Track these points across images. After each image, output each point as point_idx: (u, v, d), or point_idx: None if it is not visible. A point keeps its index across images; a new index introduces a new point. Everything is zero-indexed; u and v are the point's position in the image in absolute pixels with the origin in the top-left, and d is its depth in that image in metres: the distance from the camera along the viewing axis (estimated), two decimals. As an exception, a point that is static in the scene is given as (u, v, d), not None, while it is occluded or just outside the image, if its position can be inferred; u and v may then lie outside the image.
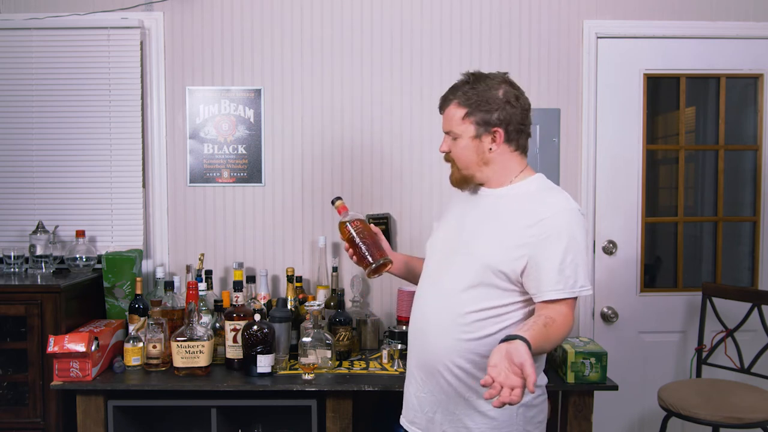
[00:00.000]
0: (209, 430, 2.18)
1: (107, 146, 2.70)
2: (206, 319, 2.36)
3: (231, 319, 2.26)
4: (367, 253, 1.76)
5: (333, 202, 1.86)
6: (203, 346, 2.19)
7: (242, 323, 2.23)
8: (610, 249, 2.80)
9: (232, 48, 2.73)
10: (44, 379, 2.29)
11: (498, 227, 1.59)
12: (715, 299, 2.69)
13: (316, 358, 2.24)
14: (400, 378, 2.14)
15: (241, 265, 2.58)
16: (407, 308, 2.54)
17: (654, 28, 2.74)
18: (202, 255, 2.64)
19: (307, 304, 2.38)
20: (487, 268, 1.56)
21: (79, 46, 2.69)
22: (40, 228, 2.59)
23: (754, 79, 2.83)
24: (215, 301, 2.42)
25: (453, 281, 1.62)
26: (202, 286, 2.45)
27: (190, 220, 2.75)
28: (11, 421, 2.32)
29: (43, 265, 2.55)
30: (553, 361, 2.26)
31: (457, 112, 1.63)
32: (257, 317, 2.20)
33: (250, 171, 2.74)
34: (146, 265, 2.73)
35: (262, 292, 2.54)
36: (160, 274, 2.48)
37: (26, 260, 2.58)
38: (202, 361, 2.19)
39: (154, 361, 2.23)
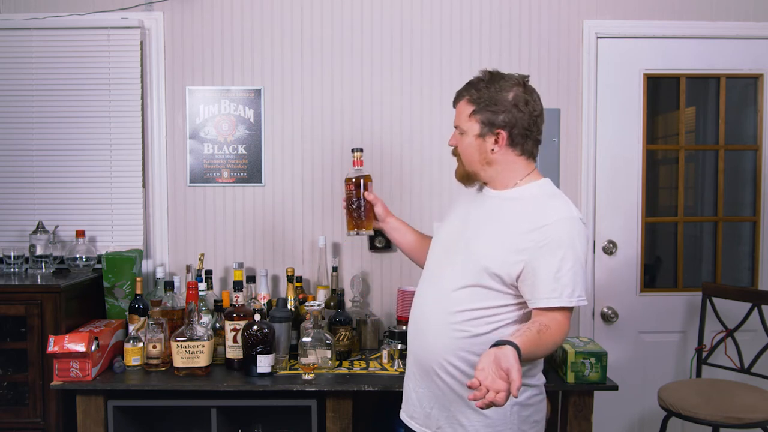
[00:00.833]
0: (209, 430, 2.18)
1: (107, 146, 2.70)
2: (206, 319, 2.36)
3: (231, 319, 2.26)
4: (348, 217, 1.93)
5: (352, 151, 1.97)
6: (203, 346, 2.19)
7: (242, 323, 2.23)
8: (610, 249, 2.80)
9: (232, 48, 2.73)
10: (44, 379, 2.29)
11: (499, 230, 1.60)
12: (715, 299, 2.69)
13: (316, 358, 2.24)
14: (400, 378, 2.14)
15: (241, 265, 2.58)
16: (407, 308, 2.53)
17: (654, 28, 2.74)
18: (202, 255, 2.64)
19: (307, 304, 2.38)
20: (483, 269, 1.57)
21: (79, 46, 2.69)
22: (40, 228, 2.59)
23: (754, 79, 2.83)
24: (215, 301, 2.42)
25: (449, 280, 1.63)
26: (202, 286, 2.45)
27: (190, 220, 2.75)
28: (11, 421, 2.32)
29: (43, 265, 2.55)
30: (553, 361, 2.26)
31: (466, 108, 1.64)
32: (257, 317, 2.20)
33: (250, 171, 2.74)
34: (146, 265, 2.73)
35: (262, 292, 2.54)
36: (160, 274, 2.48)
37: (26, 260, 2.58)
38: (202, 361, 2.19)
39: (154, 361, 2.23)
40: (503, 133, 1.60)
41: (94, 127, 2.69)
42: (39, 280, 2.42)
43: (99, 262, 2.58)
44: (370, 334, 2.56)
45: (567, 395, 2.17)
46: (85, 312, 2.49)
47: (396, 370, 2.25)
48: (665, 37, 2.76)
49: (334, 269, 2.64)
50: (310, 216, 2.76)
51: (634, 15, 2.74)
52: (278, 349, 2.28)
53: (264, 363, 2.17)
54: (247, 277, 2.52)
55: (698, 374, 2.69)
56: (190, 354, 2.18)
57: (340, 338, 2.38)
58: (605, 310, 2.82)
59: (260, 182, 2.74)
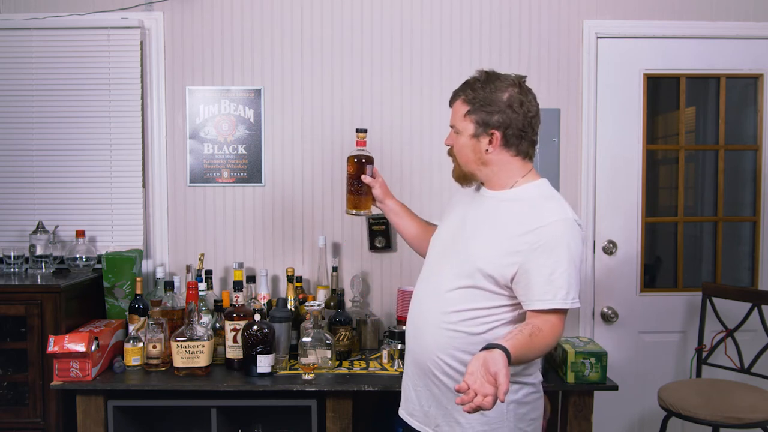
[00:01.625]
0: (209, 430, 2.18)
1: (107, 146, 2.70)
2: (206, 319, 2.36)
3: (231, 319, 2.26)
4: (348, 196, 1.97)
5: (362, 131, 1.97)
6: (203, 346, 2.19)
7: (242, 323, 2.23)
8: (610, 249, 2.80)
9: (232, 48, 2.73)
10: (44, 379, 2.29)
11: (494, 231, 1.60)
12: (715, 299, 2.69)
13: (316, 358, 2.24)
14: (400, 378, 2.13)
15: (241, 265, 2.58)
16: (407, 308, 2.52)
17: (654, 28, 2.74)
18: (202, 255, 2.64)
19: (307, 304, 2.38)
20: (477, 270, 1.57)
21: (79, 46, 2.69)
22: (40, 228, 2.59)
23: (754, 79, 2.83)
24: (215, 301, 2.42)
25: (445, 280, 1.64)
26: (202, 286, 2.45)
27: (190, 220, 2.75)
28: (11, 421, 2.32)
29: (43, 265, 2.55)
30: (553, 361, 2.26)
31: (461, 108, 1.64)
32: (257, 317, 2.20)
33: (250, 171, 2.74)
34: (146, 265, 2.73)
35: (262, 292, 2.54)
36: (160, 274, 2.48)
37: (26, 260, 2.58)
38: (202, 361, 2.19)
39: (154, 361, 2.23)
40: (497, 134, 1.60)
41: (94, 127, 2.69)
42: (39, 280, 2.42)
43: (99, 262, 2.58)
44: (370, 334, 2.56)
45: (567, 395, 2.17)
46: (85, 312, 2.49)
47: (396, 370, 2.25)
48: (665, 37, 2.76)
49: (334, 269, 2.64)
50: (310, 216, 2.76)
51: (634, 15, 2.74)
52: (278, 349, 2.28)
53: (264, 363, 2.17)
54: (247, 277, 2.52)
55: (698, 374, 2.69)
56: (190, 354, 2.18)
57: (340, 338, 2.38)
58: (605, 310, 2.82)
59: (260, 182, 2.74)
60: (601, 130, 2.77)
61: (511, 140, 1.60)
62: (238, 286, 2.43)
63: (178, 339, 2.19)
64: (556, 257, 1.52)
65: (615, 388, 2.14)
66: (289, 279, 2.52)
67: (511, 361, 1.36)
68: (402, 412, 1.79)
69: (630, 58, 2.77)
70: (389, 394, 2.10)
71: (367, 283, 2.77)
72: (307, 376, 2.15)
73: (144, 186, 2.73)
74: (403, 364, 2.23)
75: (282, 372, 2.23)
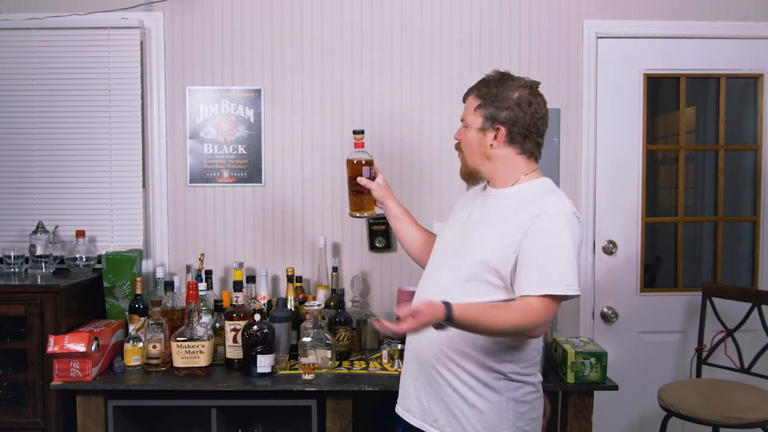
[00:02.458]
0: (209, 430, 2.18)
1: (107, 146, 2.70)
2: (206, 319, 2.36)
3: (231, 319, 2.26)
4: (350, 199, 1.98)
5: (359, 132, 1.95)
6: (203, 346, 2.19)
7: (242, 323, 2.23)
8: (610, 249, 2.80)
9: (232, 48, 2.73)
10: (44, 379, 2.29)
11: (495, 226, 1.62)
12: (715, 299, 2.69)
13: (316, 358, 2.24)
14: (400, 378, 2.14)
15: (241, 265, 2.58)
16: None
17: (654, 28, 2.74)
18: (202, 255, 2.64)
19: (307, 304, 2.38)
20: (480, 264, 1.59)
21: (79, 46, 2.69)
22: (40, 228, 2.59)
23: (754, 79, 2.83)
24: (215, 301, 2.42)
25: (449, 276, 1.65)
26: (202, 286, 2.45)
27: (190, 220, 2.75)
28: (11, 421, 2.32)
29: (43, 265, 2.54)
30: (553, 361, 2.26)
31: (473, 102, 1.70)
32: (257, 317, 2.20)
33: (250, 171, 2.74)
34: (146, 265, 2.73)
35: (262, 292, 2.54)
36: (160, 274, 2.48)
37: (26, 260, 2.58)
38: (202, 361, 2.19)
39: (154, 361, 2.23)
40: (503, 129, 1.64)
41: (94, 127, 2.69)
42: (39, 280, 2.42)
43: (99, 262, 2.58)
44: (370, 334, 2.56)
45: (567, 395, 2.17)
46: (85, 312, 2.49)
47: (396, 370, 2.25)
48: (665, 37, 2.76)
49: (334, 269, 2.64)
50: (310, 216, 2.76)
51: (634, 15, 2.74)
52: (278, 349, 2.28)
53: (264, 363, 2.17)
54: (247, 277, 2.52)
55: (698, 374, 2.69)
56: (190, 354, 2.18)
57: (340, 338, 2.38)
58: (605, 310, 2.82)
59: (260, 182, 2.74)
60: (601, 130, 2.77)
61: (515, 137, 1.65)
62: (238, 286, 2.43)
63: (178, 339, 2.19)
64: (548, 244, 1.54)
65: (615, 388, 2.14)
66: (289, 279, 2.52)
67: (453, 318, 1.43)
68: (398, 409, 1.79)
69: (630, 58, 2.77)
70: (389, 394, 2.09)
71: (367, 283, 2.77)
72: (307, 376, 2.15)
73: (144, 186, 2.73)
74: (403, 364, 2.24)
75: (282, 372, 2.23)
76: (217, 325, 2.34)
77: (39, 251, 2.56)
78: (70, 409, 2.24)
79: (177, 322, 2.34)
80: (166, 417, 2.48)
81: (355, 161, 1.94)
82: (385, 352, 2.35)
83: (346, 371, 2.26)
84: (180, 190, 2.75)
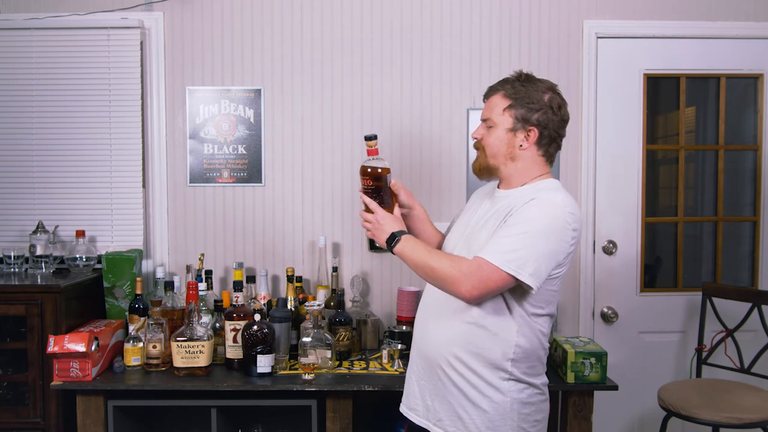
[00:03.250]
0: (209, 430, 2.18)
1: (107, 146, 2.70)
2: (206, 319, 2.36)
3: (231, 319, 2.26)
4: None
5: (370, 138, 1.73)
6: (203, 346, 2.19)
7: (242, 323, 2.23)
8: (610, 249, 2.80)
9: (232, 48, 2.73)
10: (44, 379, 2.29)
11: (495, 224, 1.63)
12: (715, 299, 2.69)
13: (316, 358, 2.24)
14: (400, 378, 2.14)
15: (241, 265, 2.58)
16: (407, 308, 2.54)
17: (654, 28, 2.74)
18: (202, 255, 2.64)
19: (307, 304, 2.38)
20: None
21: (79, 46, 2.69)
22: (40, 228, 2.59)
23: (754, 79, 2.83)
24: (215, 301, 2.42)
25: None
26: (202, 286, 2.45)
27: (190, 220, 2.75)
28: (11, 421, 2.32)
29: (43, 265, 2.54)
30: (553, 361, 2.26)
31: (500, 102, 1.67)
32: (257, 317, 2.20)
33: (250, 171, 2.74)
34: (146, 265, 2.73)
35: (262, 292, 2.54)
36: (160, 274, 2.48)
37: (26, 260, 2.58)
38: (202, 361, 2.19)
39: (154, 361, 2.23)
40: (535, 131, 1.64)
41: (94, 127, 2.69)
42: (39, 280, 2.42)
43: (99, 262, 2.58)
44: (370, 334, 2.56)
45: (567, 395, 2.17)
46: (85, 312, 2.49)
47: (396, 370, 2.25)
48: (665, 37, 2.76)
49: (334, 269, 2.64)
50: (310, 216, 2.76)
51: (634, 15, 2.74)
52: (278, 349, 2.28)
53: (264, 363, 2.17)
54: (247, 277, 2.52)
55: (698, 374, 2.69)
56: (190, 354, 2.18)
57: (340, 338, 2.38)
58: (605, 310, 2.82)
59: (260, 182, 2.74)
60: (601, 130, 2.77)
61: (544, 140, 1.66)
62: (238, 286, 2.43)
63: (178, 339, 2.19)
64: (517, 224, 1.55)
65: (615, 388, 2.14)
66: (289, 279, 2.52)
67: (397, 241, 1.64)
68: (403, 407, 1.80)
69: (630, 58, 2.77)
70: (389, 394, 2.10)
71: (367, 283, 2.77)
72: (307, 376, 2.15)
73: (144, 186, 2.73)
74: (403, 365, 2.25)
75: (282, 372, 2.23)
76: (217, 325, 2.34)
77: (39, 251, 2.56)
78: (70, 409, 2.24)
79: (177, 322, 2.34)
80: (166, 417, 2.48)
81: (370, 169, 1.71)
82: (385, 352, 2.35)
83: (346, 371, 2.26)
84: (180, 190, 2.75)
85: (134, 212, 2.71)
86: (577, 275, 2.78)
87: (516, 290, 1.59)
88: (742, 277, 2.90)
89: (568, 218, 1.56)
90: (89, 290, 2.52)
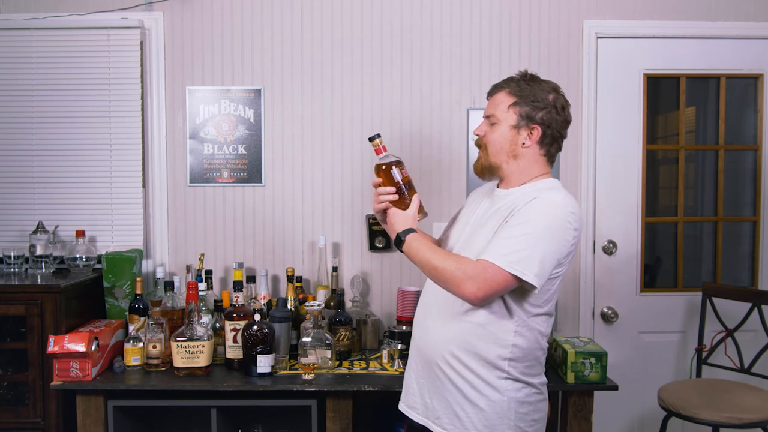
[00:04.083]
0: (209, 430, 2.18)
1: (107, 146, 2.70)
2: (206, 319, 2.36)
3: (231, 319, 2.26)
4: (391, 212, 1.72)
5: (371, 139, 1.73)
6: (203, 346, 2.19)
7: (242, 323, 2.23)
8: (610, 249, 2.80)
9: (232, 48, 2.73)
10: (44, 379, 2.29)
11: (493, 224, 1.63)
12: (715, 299, 2.69)
13: (316, 358, 2.24)
14: (400, 378, 2.13)
15: (241, 265, 2.58)
16: (407, 308, 2.54)
17: (654, 28, 2.74)
18: (202, 255, 2.64)
19: (307, 304, 2.38)
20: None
21: (79, 46, 2.69)
22: (40, 228, 2.59)
23: (754, 79, 2.83)
24: (215, 301, 2.42)
25: None
26: (202, 286, 2.45)
27: (190, 220, 2.75)
28: (11, 421, 2.32)
29: (43, 265, 2.54)
30: (553, 361, 2.26)
31: (505, 99, 1.68)
32: (257, 317, 2.20)
33: (250, 171, 2.74)
34: (146, 265, 2.73)
35: (262, 292, 2.54)
36: (160, 274, 2.48)
37: (26, 260, 2.58)
38: (202, 361, 2.19)
39: (154, 361, 2.23)
40: (539, 129, 1.65)
41: (94, 127, 2.69)
42: (39, 280, 2.42)
43: (99, 262, 2.58)
44: (370, 334, 2.55)
45: (567, 395, 2.17)
46: (85, 312, 2.49)
47: (396, 370, 2.25)
48: (665, 37, 2.76)
49: (334, 269, 2.64)
50: (310, 216, 2.76)
51: (634, 15, 2.74)
52: (278, 349, 2.28)
53: (264, 363, 2.17)
54: (247, 277, 2.52)
55: (698, 374, 2.69)
56: (190, 354, 2.18)
57: (340, 338, 2.38)
58: (605, 310, 2.82)
59: (260, 182, 2.74)
60: (601, 130, 2.77)
61: (546, 139, 1.67)
62: (238, 286, 2.43)
63: (178, 339, 2.19)
64: (520, 225, 1.54)
65: (615, 388, 2.14)
66: (289, 279, 2.52)
67: (402, 241, 1.65)
68: (402, 405, 1.81)
69: (630, 58, 2.77)
70: (389, 394, 2.10)
71: (367, 283, 2.77)
72: (307, 376, 2.15)
73: (144, 186, 2.73)
74: (403, 364, 2.25)
75: (282, 372, 2.23)
76: (217, 325, 2.34)
77: (39, 251, 2.56)
78: (70, 409, 2.24)
79: (177, 322, 2.34)
80: (166, 417, 2.48)
81: (385, 166, 1.71)
82: (385, 352, 2.35)
83: (346, 371, 2.26)
84: (180, 190, 2.75)
85: (134, 212, 2.71)
86: (577, 275, 2.78)
87: (516, 290, 1.59)
88: (742, 277, 2.90)
89: (569, 218, 1.56)
90: (89, 290, 2.52)
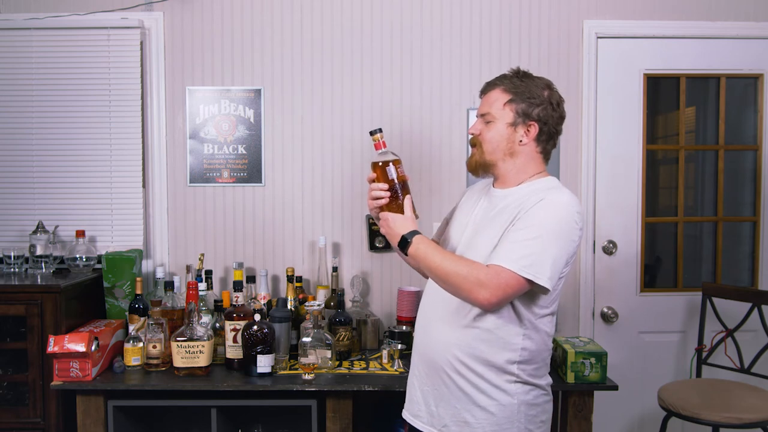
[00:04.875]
0: (209, 430, 2.18)
1: (107, 146, 2.70)
2: (206, 319, 2.36)
3: (231, 319, 2.26)
4: (388, 206, 1.69)
5: (372, 133, 1.73)
6: (203, 346, 2.19)
7: (242, 323, 2.23)
8: (610, 249, 2.80)
9: (232, 48, 2.73)
10: (44, 379, 2.29)
11: (497, 226, 1.61)
12: (715, 299, 2.69)
13: (316, 358, 2.24)
14: (400, 378, 2.14)
15: (241, 265, 2.58)
16: (407, 308, 2.54)
17: (654, 28, 2.74)
18: (202, 255, 2.64)
19: (307, 304, 2.38)
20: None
21: (79, 46, 2.69)
22: (40, 228, 2.59)
23: (754, 79, 2.83)
24: (215, 301, 2.42)
25: None
26: (202, 286, 2.45)
27: (190, 220, 2.75)
28: (11, 421, 2.32)
29: (43, 265, 2.54)
30: (553, 361, 2.25)
31: (500, 97, 1.65)
32: (257, 317, 2.20)
33: (250, 171, 2.74)
34: (146, 265, 2.73)
35: (262, 292, 2.54)
36: (160, 274, 2.48)
37: (26, 260, 2.58)
38: (202, 361, 2.19)
39: (154, 361, 2.23)
40: (535, 126, 1.64)
41: (94, 127, 2.69)
42: (39, 280, 2.42)
43: (99, 262, 2.58)
44: (370, 334, 2.55)
45: (567, 395, 2.17)
46: (85, 312, 2.49)
47: (396, 370, 2.25)
48: (665, 37, 2.76)
49: (334, 269, 2.64)
50: (310, 216, 2.76)
51: (634, 15, 2.74)
52: (278, 349, 2.28)
53: (264, 363, 2.17)
54: (247, 277, 2.52)
55: (698, 374, 2.69)
56: (190, 354, 2.18)
57: (340, 338, 2.38)
58: (605, 310, 2.82)
59: (260, 182, 2.74)
60: (601, 130, 2.77)
61: (543, 136, 1.66)
62: (238, 286, 2.43)
63: (178, 339, 2.19)
64: (534, 226, 1.53)
65: (615, 388, 2.14)
66: (289, 279, 2.52)
67: (409, 244, 1.59)
68: (406, 414, 1.78)
69: (630, 58, 2.77)
70: (389, 394, 2.10)
71: (367, 283, 2.77)
72: (307, 376, 2.15)
73: (144, 186, 2.73)
74: (403, 364, 2.25)
75: (282, 372, 2.23)
76: (217, 325, 2.34)
77: (39, 251, 2.56)
78: (70, 409, 2.24)
79: (177, 322, 2.34)
80: (166, 417, 2.48)
81: (382, 164, 1.70)
82: (385, 352, 2.35)
83: (346, 371, 2.26)
84: (180, 190, 2.75)
85: (134, 212, 2.71)
86: (577, 275, 2.78)
87: (525, 293, 1.57)
88: (742, 277, 2.90)
89: (575, 218, 1.56)
90: (89, 290, 2.52)
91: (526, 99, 1.63)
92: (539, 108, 1.63)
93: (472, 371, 1.60)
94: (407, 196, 1.69)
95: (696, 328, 2.75)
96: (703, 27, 2.74)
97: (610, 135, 2.78)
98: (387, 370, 2.27)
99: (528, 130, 1.64)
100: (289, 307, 2.42)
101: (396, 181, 1.69)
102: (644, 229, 2.82)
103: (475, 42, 2.73)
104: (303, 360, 2.24)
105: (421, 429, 1.71)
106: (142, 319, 2.34)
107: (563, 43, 2.74)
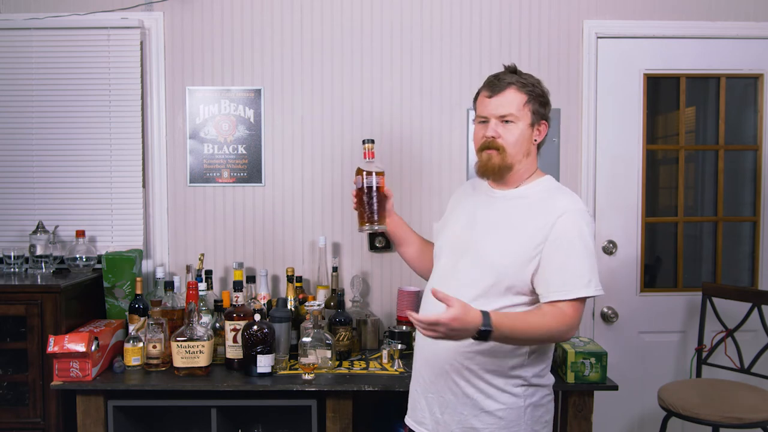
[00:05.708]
0: (209, 430, 2.18)
1: (107, 146, 2.70)
2: (206, 319, 2.36)
3: (231, 319, 2.26)
4: (360, 211, 1.81)
5: (364, 142, 1.82)
6: (203, 346, 2.19)
7: (242, 323, 2.23)
8: (610, 249, 2.80)
9: (232, 48, 2.73)
10: (44, 379, 2.29)
11: (510, 235, 1.59)
12: (715, 299, 2.69)
13: (316, 358, 2.24)
14: (400, 378, 2.14)
15: (241, 265, 2.58)
16: (407, 308, 2.54)
17: (654, 28, 2.74)
18: (202, 255, 2.64)
19: (307, 304, 2.38)
20: (499, 270, 1.57)
21: (79, 46, 2.68)
22: (40, 228, 2.59)
23: (754, 79, 2.83)
24: (215, 301, 2.42)
25: (462, 286, 1.60)
26: (202, 286, 2.45)
27: (190, 220, 2.75)
28: (11, 421, 2.32)
29: (43, 265, 2.54)
30: (553, 361, 2.25)
31: (518, 96, 1.60)
32: (257, 317, 2.20)
33: (250, 171, 2.74)
34: (146, 265, 2.73)
35: (262, 292, 2.54)
36: (160, 274, 2.48)
37: (26, 260, 2.58)
38: (202, 361, 2.19)
39: (154, 361, 2.23)
40: (545, 125, 1.64)
41: (94, 127, 2.69)
42: (39, 280, 2.42)
43: (99, 262, 2.58)
44: (370, 334, 2.55)
45: (567, 395, 2.17)
46: (85, 312, 2.49)
47: (396, 370, 2.25)
48: (665, 37, 2.76)
49: (334, 269, 2.64)
50: (310, 216, 2.76)
51: (634, 15, 2.74)
52: (278, 349, 2.28)
53: (264, 363, 2.17)
54: (247, 277, 2.52)
55: (698, 374, 2.69)
56: (190, 354, 2.18)
57: (340, 338, 2.38)
58: (605, 310, 2.82)
59: (260, 182, 2.74)
60: (601, 130, 2.77)
61: (546, 134, 1.66)
62: (238, 286, 2.43)
63: (178, 339, 2.19)
64: (569, 248, 1.53)
65: (615, 388, 2.14)
66: (289, 279, 2.52)
67: (491, 323, 1.40)
68: (409, 420, 1.76)
69: (630, 58, 2.77)
70: (389, 394, 2.10)
71: (367, 283, 2.77)
72: (307, 376, 2.15)
73: (144, 186, 2.73)
74: (403, 364, 2.25)
75: (282, 372, 2.23)
76: (217, 325, 2.34)
77: (39, 251, 2.56)
78: (70, 409, 2.24)
79: (177, 322, 2.34)
80: (166, 417, 2.48)
81: (366, 173, 1.80)
82: (385, 352, 2.35)
83: (346, 371, 2.26)
84: (180, 190, 2.75)
85: (134, 212, 2.71)
86: (577, 275, 2.77)
87: (534, 299, 1.58)
88: (742, 277, 2.90)
89: (590, 220, 1.59)
90: (89, 290, 2.52)
91: (538, 97, 1.62)
92: (547, 107, 1.64)
93: (479, 377, 1.59)
94: (384, 207, 1.77)
95: (696, 328, 2.75)
96: (703, 27, 2.74)
97: (610, 135, 2.78)
98: (387, 370, 2.27)
99: (539, 129, 1.63)
100: (289, 307, 2.42)
101: (374, 189, 1.75)
102: (644, 229, 2.82)
103: (475, 42, 2.73)
104: (303, 360, 2.24)
105: None
106: (142, 319, 2.33)
107: (563, 43, 2.74)
